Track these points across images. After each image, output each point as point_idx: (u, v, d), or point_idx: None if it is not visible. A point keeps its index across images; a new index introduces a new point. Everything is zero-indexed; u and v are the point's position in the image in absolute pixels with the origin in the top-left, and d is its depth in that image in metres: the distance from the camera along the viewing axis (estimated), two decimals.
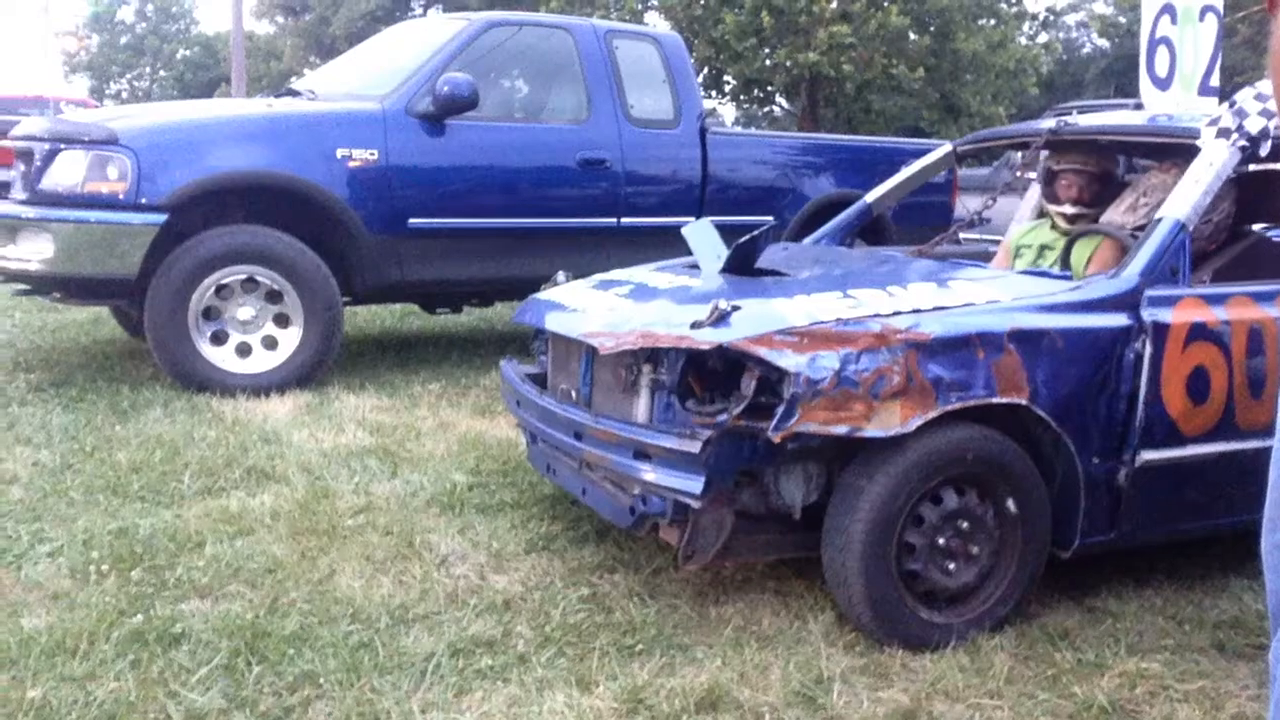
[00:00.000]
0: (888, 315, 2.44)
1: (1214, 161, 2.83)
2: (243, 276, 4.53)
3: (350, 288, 4.94)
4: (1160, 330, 2.59)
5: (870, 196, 3.94)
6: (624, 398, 2.65)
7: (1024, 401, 2.45)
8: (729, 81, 22.15)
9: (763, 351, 2.33)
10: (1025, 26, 22.51)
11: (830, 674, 2.28)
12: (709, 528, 2.41)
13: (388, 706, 2.10)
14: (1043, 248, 3.51)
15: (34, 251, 4.39)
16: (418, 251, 4.95)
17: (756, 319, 2.43)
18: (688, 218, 5.62)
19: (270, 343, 4.64)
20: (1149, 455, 2.60)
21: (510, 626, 2.45)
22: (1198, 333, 2.64)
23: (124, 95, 41.72)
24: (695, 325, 2.43)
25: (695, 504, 2.36)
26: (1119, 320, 2.58)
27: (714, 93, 22.23)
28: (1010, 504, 2.51)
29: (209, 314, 4.53)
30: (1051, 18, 27.61)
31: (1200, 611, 2.69)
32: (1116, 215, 3.41)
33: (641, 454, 2.44)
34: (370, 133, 4.85)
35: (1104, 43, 32.39)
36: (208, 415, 4.16)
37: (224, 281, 4.50)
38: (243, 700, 2.10)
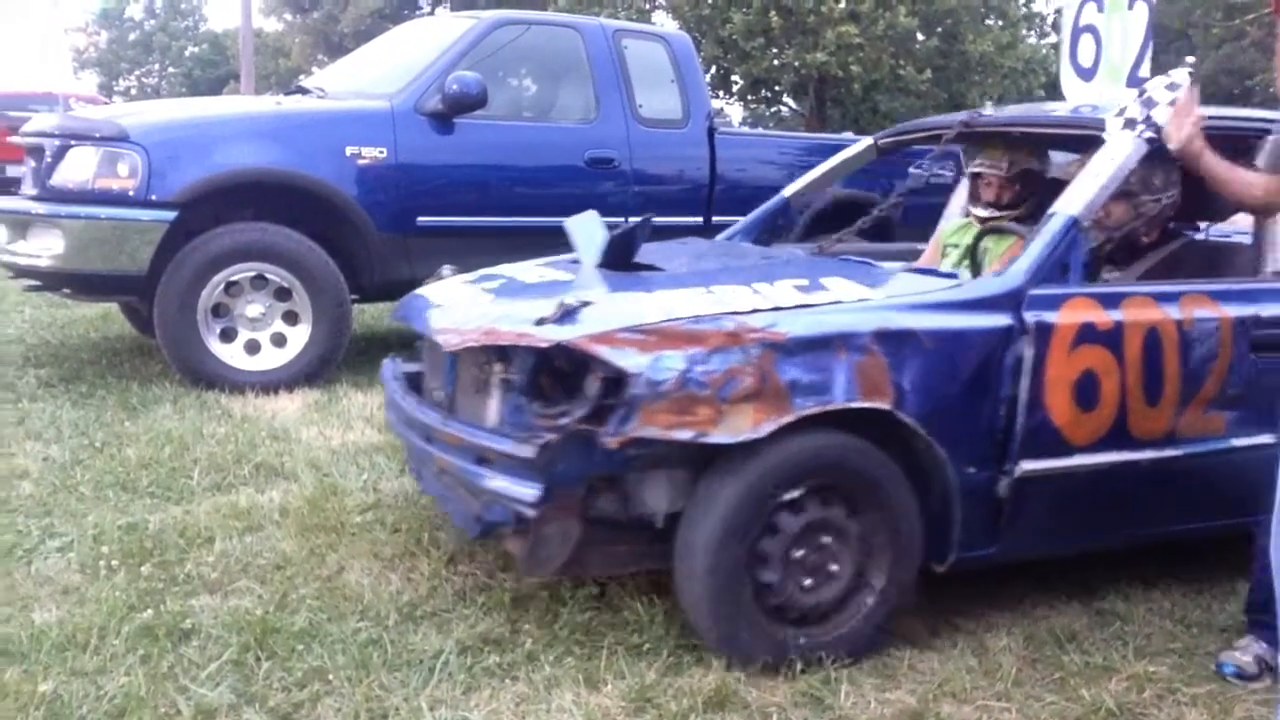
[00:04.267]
0: (745, 313, 2.28)
1: (1116, 154, 2.68)
2: (252, 274, 4.54)
3: (359, 285, 4.94)
4: (1044, 331, 2.43)
5: (787, 191, 3.79)
6: (479, 399, 2.53)
7: (887, 406, 2.29)
8: (737, 81, 22.17)
9: (602, 350, 2.19)
10: (1033, 28, 22.45)
11: (837, 675, 2.28)
12: (553, 538, 2.26)
13: (396, 703, 2.11)
14: (968, 246, 3.43)
15: (44, 248, 4.40)
16: (426, 249, 4.95)
17: (604, 316, 2.28)
18: (696, 218, 5.64)
19: (279, 340, 4.65)
20: (1032, 465, 2.44)
21: (518, 625, 2.45)
22: (1086, 335, 2.48)
23: (133, 92, 41.80)
24: (540, 322, 2.29)
25: (531, 513, 2.21)
26: (999, 321, 2.42)
27: (721, 92, 22.24)
28: (876, 516, 2.36)
29: (218, 311, 4.54)
30: (1060, 19, 27.49)
31: (1208, 615, 2.69)
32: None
33: (483, 459, 2.31)
34: (379, 131, 4.86)
35: None
36: (217, 412, 4.17)
37: (233, 278, 4.51)
38: (252, 695, 2.11)
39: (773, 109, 26.13)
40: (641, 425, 2.15)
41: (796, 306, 2.35)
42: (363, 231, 4.79)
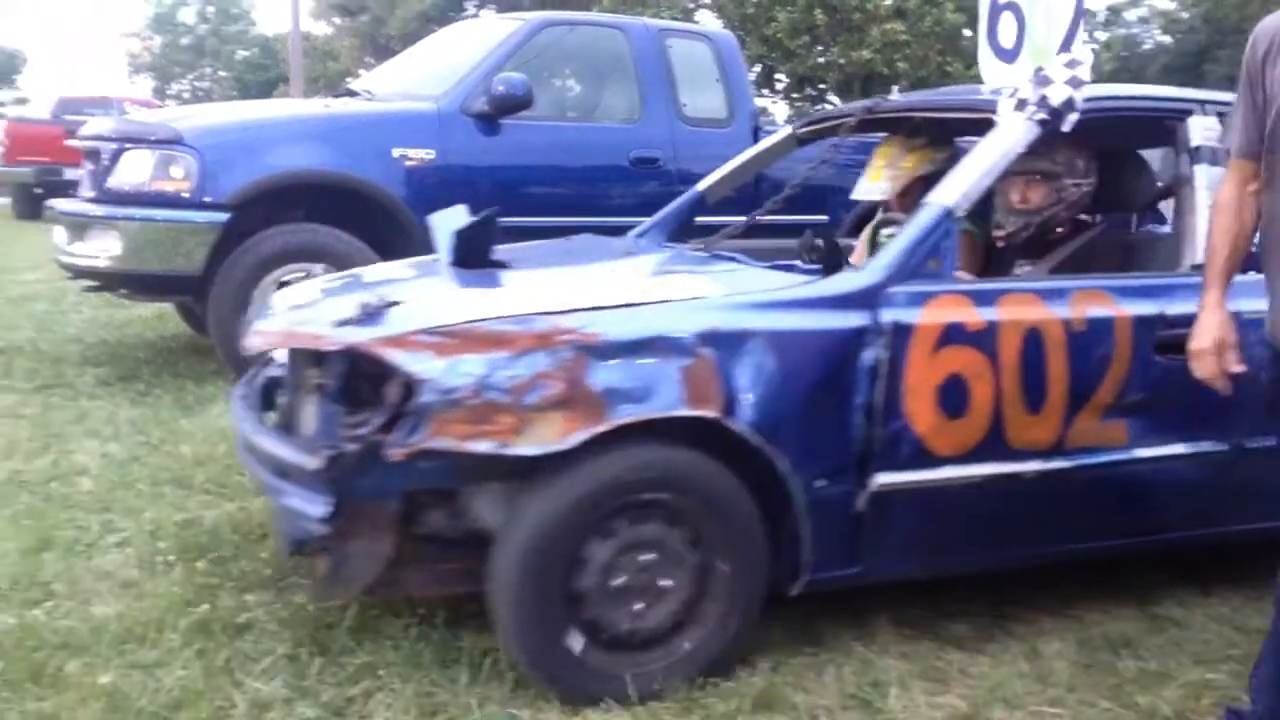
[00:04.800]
0: (560, 312, 2.09)
1: (1003, 139, 2.49)
2: (303, 274, 4.59)
3: None
4: (902, 332, 2.23)
5: (702, 185, 3.62)
6: (303, 407, 2.41)
7: (715, 415, 2.09)
8: (781, 80, 22.07)
9: (392, 354, 2.00)
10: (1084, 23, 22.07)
11: (887, 678, 2.27)
12: (358, 557, 2.08)
13: (445, 699, 2.13)
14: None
15: (102, 249, 4.51)
16: None
17: (408, 317, 2.10)
18: (739, 217, 5.61)
19: None
20: (890, 478, 2.24)
21: None
22: (953, 335, 2.26)
23: (185, 95, 42.57)
24: (344, 323, 2.11)
25: (319, 530, 2.04)
26: (852, 320, 2.21)
27: (766, 91, 22.15)
28: (714, 533, 2.15)
29: None
30: (1112, 16, 27.07)
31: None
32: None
33: (283, 472, 2.15)
34: (426, 132, 4.91)
35: (1166, 39, 31.67)
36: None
37: (285, 278, 4.57)
38: (305, 690, 2.15)
39: (817, 107, 25.97)
40: (432, 436, 1.95)
41: (619, 305, 2.15)
42: (410, 232, 4.83)
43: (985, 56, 3.10)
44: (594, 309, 2.13)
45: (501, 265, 2.59)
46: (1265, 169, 1.94)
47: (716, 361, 2.11)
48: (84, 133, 5.11)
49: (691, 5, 21.26)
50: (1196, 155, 2.64)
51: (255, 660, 2.24)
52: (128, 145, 4.61)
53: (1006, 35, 2.98)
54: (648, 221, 3.56)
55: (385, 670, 2.22)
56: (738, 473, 2.16)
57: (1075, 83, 2.54)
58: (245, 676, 2.18)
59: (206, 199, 4.45)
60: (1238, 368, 2.03)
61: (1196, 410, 2.45)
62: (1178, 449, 2.51)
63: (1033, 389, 2.33)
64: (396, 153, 4.81)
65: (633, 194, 5.38)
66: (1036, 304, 2.38)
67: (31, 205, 13.12)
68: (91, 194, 4.75)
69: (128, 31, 43.59)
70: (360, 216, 4.80)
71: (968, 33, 19.58)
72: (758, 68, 20.84)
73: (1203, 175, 2.60)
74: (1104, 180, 2.91)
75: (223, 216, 4.46)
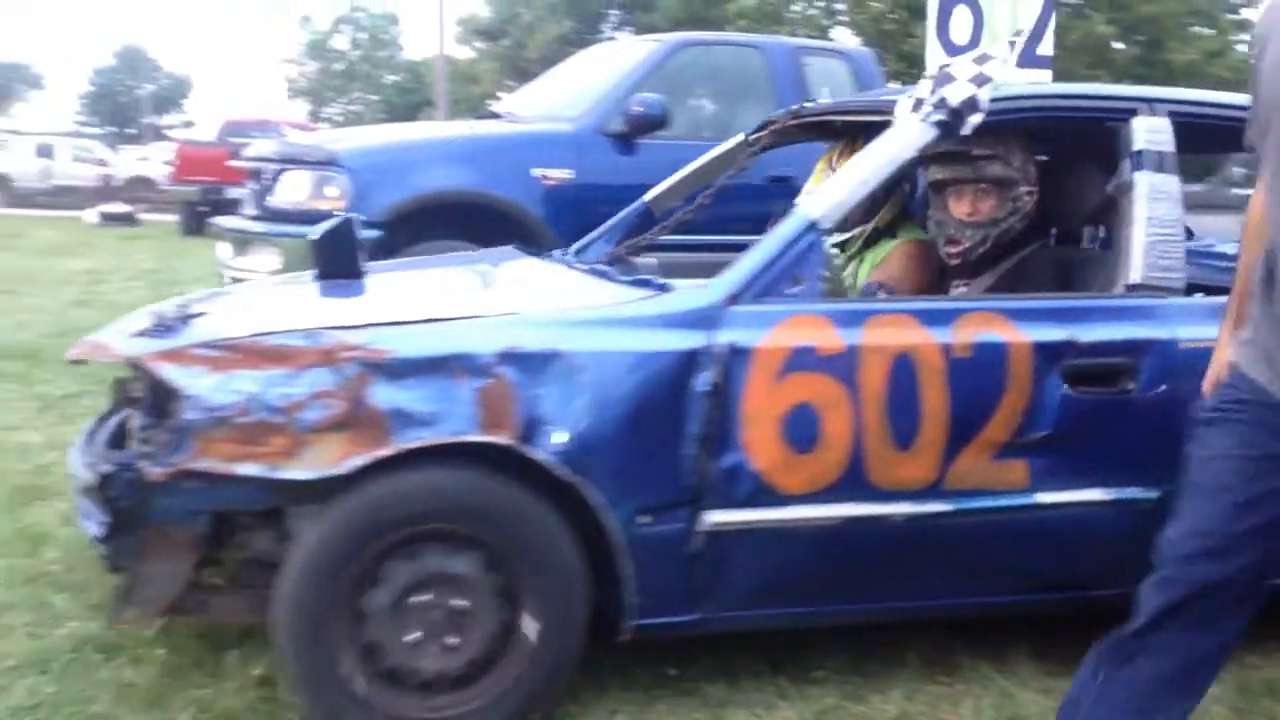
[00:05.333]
0: (349, 327, 1.96)
1: (887, 143, 2.26)
2: None
3: None
4: (741, 355, 2.02)
5: (649, 196, 3.43)
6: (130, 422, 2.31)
7: (510, 442, 1.92)
8: None
9: (165, 368, 1.89)
10: (1246, 35, 20.93)
11: (1026, 712, 2.19)
12: (157, 579, 1.96)
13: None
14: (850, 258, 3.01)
15: (263, 263, 4.78)
16: None
17: (201, 329, 2.02)
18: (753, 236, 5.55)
19: None
20: (727, 516, 2.03)
21: (693, 653, 2.44)
22: (802, 360, 2.05)
23: (338, 118, 44.73)
24: (138, 334, 2.04)
25: (100, 549, 1.97)
26: (685, 342, 2.01)
27: None
28: (523, 570, 1.97)
29: None
30: None
31: None
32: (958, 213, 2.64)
33: (86, 488, 2.06)
34: (565, 152, 5.03)
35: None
36: None
37: None
38: None
39: None
40: (195, 457, 1.83)
41: (420, 321, 2.02)
42: (550, 249, 4.95)
43: (934, 53, 2.88)
44: (387, 324, 2.00)
45: (359, 276, 2.54)
46: (1259, 166, 1.65)
47: (516, 383, 1.94)
48: (247, 154, 5.45)
49: (828, 22, 21.09)
50: (1139, 161, 2.32)
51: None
52: (287, 166, 4.89)
53: (960, 30, 2.77)
54: (598, 230, 3.38)
55: None
56: (558, 506, 1.98)
57: (980, 80, 2.29)
58: None
59: (359, 217, 4.66)
60: None
61: (1120, 451, 2.18)
62: (1094, 495, 2.20)
63: (902, 422, 2.08)
64: (536, 172, 4.94)
65: (768, 212, 5.36)
66: (912, 327, 2.13)
67: (197, 222, 13.98)
68: (253, 212, 5.05)
69: (286, 58, 46.19)
70: (502, 235, 4.93)
71: (1118, 45, 18.82)
72: (896, 84, 20.52)
73: (1144, 183, 2.30)
74: (1041, 190, 2.64)
75: (373, 234, 4.67)
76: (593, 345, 2.01)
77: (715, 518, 2.04)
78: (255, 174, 5.13)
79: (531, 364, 1.96)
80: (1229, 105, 2.49)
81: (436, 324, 2.02)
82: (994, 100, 2.31)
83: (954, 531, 2.17)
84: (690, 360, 2.02)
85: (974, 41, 2.72)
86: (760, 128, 3.34)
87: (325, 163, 4.78)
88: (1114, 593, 2.25)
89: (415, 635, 1.96)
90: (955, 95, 2.27)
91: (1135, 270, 2.26)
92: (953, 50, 2.78)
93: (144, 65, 52.11)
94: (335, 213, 4.69)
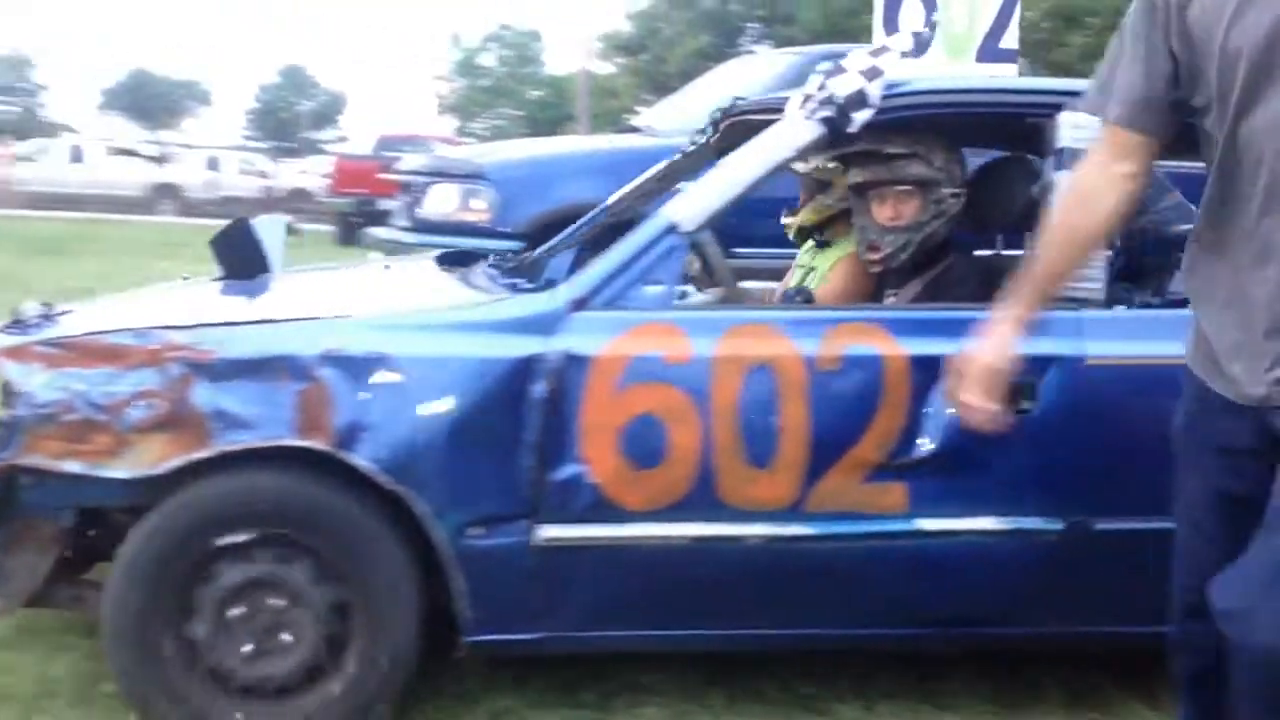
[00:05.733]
0: (182, 327, 2.00)
1: (764, 142, 2.15)
2: None
3: None
4: (579, 363, 1.96)
5: (612, 199, 3.34)
6: None
7: (326, 447, 1.91)
8: None
9: (6, 365, 1.97)
10: None
11: None
12: (17, 571, 2.01)
13: None
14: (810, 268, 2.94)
15: None
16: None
17: (53, 327, 2.09)
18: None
19: None
20: (563, 531, 1.98)
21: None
22: (645, 370, 1.97)
23: (484, 133, 46.14)
24: (4, 329, 2.11)
25: None
26: (520, 348, 1.97)
27: None
28: (351, 579, 1.98)
29: None
30: None
31: None
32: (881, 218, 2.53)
33: None
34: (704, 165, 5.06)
35: None
36: None
37: None
38: None
39: None
40: (24, 452, 1.90)
41: (250, 322, 2.06)
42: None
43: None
44: (217, 325, 2.04)
45: (257, 276, 2.58)
46: (1219, 147, 1.39)
47: (333, 386, 1.93)
48: (399, 168, 5.70)
49: None
50: (1060, 160, 2.12)
51: None
52: (436, 179, 5.11)
53: (910, 25, 2.55)
54: (560, 236, 3.31)
55: None
56: (388, 516, 1.98)
57: (873, 73, 2.15)
58: None
59: (503, 228, 4.84)
60: (991, 408, 1.55)
61: (1016, 477, 2.03)
62: (987, 523, 2.05)
63: (757, 438, 1.98)
64: (678, 185, 4.98)
65: None
66: (774, 338, 2.03)
67: (351, 232, 14.64)
68: (405, 223, 5.29)
69: (437, 75, 47.99)
70: None
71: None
72: None
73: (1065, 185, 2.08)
74: (995, 193, 2.50)
75: (518, 245, 4.81)
76: (421, 350, 1.98)
77: (552, 532, 2.00)
78: (406, 187, 5.37)
79: (354, 367, 1.95)
80: None
81: (265, 325, 2.04)
82: (893, 95, 2.20)
83: (820, 556, 2.06)
84: (526, 367, 1.98)
85: (927, 38, 2.56)
86: (710, 126, 3.25)
87: (472, 176, 4.97)
88: (1014, 631, 2.16)
89: (243, 640, 2.00)
90: (842, 89, 2.15)
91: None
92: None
93: (304, 83, 54.98)
94: (481, 224, 4.90)
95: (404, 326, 2.04)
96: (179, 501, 1.95)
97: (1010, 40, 2.45)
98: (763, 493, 2.01)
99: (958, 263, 2.53)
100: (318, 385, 1.93)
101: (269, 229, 2.67)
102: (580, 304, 2.05)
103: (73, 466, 1.92)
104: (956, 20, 2.48)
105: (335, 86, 59.49)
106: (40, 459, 1.91)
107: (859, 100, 2.16)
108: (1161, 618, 1.58)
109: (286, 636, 2.00)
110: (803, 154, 2.30)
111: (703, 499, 2.00)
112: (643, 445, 1.99)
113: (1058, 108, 2.17)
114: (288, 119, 52.53)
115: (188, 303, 2.48)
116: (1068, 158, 2.09)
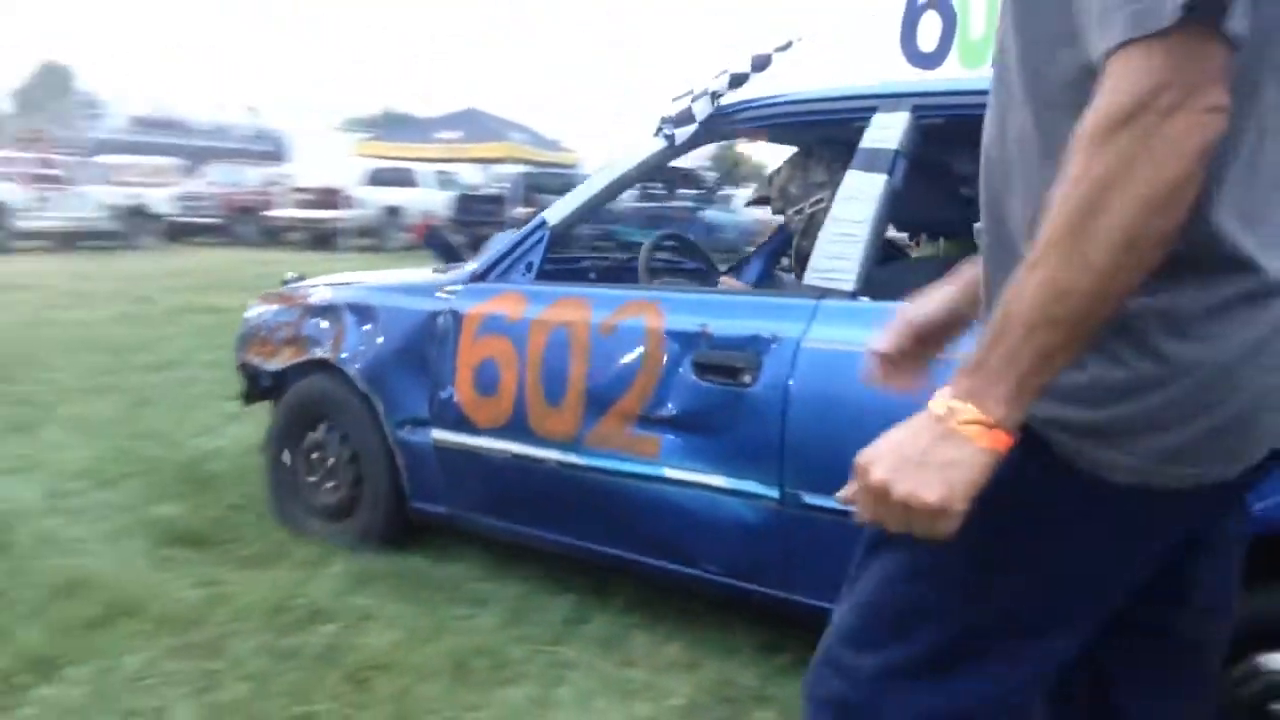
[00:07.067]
0: (308, 286, 3.31)
1: (625, 159, 2.67)
2: None
3: None
4: (456, 318, 2.74)
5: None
6: None
7: (335, 361, 2.99)
8: None
9: (251, 304, 3.29)
10: None
11: None
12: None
13: None
14: None
15: None
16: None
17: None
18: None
19: None
20: (444, 435, 2.75)
21: None
22: (493, 325, 2.65)
23: None
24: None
25: None
26: (433, 305, 2.80)
27: None
28: (359, 447, 3.01)
29: None
30: None
31: None
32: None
33: None
34: None
35: None
36: None
37: None
38: None
39: None
40: (245, 355, 3.29)
41: (326, 285, 3.31)
42: None
43: (896, 63, 2.51)
44: (311, 285, 3.33)
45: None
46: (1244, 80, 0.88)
47: (348, 323, 3.01)
48: None
49: None
50: (854, 159, 2.26)
51: None
52: None
53: (928, 38, 2.39)
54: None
55: None
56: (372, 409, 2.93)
57: (701, 94, 2.47)
58: None
59: None
60: (875, 348, 1.28)
61: (740, 443, 2.24)
62: (717, 480, 2.28)
63: (552, 383, 2.52)
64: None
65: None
66: (578, 307, 2.53)
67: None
68: None
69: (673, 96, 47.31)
70: None
71: None
72: None
73: (848, 183, 2.25)
74: (924, 197, 2.67)
75: None
76: (388, 303, 2.96)
77: (440, 435, 2.79)
78: None
79: (359, 312, 3.02)
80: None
81: (331, 286, 3.27)
82: (725, 112, 2.51)
83: (591, 484, 2.50)
84: (432, 319, 2.81)
85: (943, 49, 2.36)
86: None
87: None
88: (738, 584, 2.35)
89: (319, 476, 3.17)
90: (675, 108, 2.52)
91: (810, 269, 2.26)
92: (918, 60, 2.41)
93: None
94: None
95: (383, 288, 3.07)
96: (294, 388, 3.17)
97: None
98: (554, 426, 2.55)
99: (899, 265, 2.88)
100: (341, 325, 3.04)
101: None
102: (480, 277, 2.81)
103: (255, 363, 3.25)
104: (976, 25, 2.35)
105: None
106: (249, 358, 3.29)
107: (685, 118, 2.53)
108: None
109: (333, 482, 3.10)
110: (646, 166, 2.70)
111: (519, 425, 2.61)
112: (485, 379, 2.67)
113: (874, 110, 2.27)
114: None
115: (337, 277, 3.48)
116: (859, 158, 2.24)
